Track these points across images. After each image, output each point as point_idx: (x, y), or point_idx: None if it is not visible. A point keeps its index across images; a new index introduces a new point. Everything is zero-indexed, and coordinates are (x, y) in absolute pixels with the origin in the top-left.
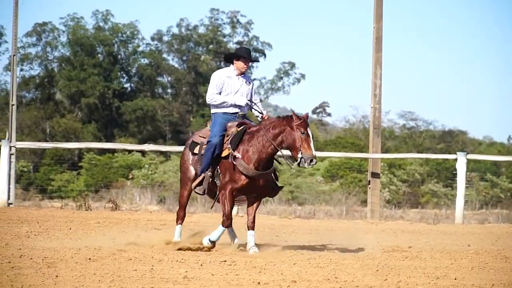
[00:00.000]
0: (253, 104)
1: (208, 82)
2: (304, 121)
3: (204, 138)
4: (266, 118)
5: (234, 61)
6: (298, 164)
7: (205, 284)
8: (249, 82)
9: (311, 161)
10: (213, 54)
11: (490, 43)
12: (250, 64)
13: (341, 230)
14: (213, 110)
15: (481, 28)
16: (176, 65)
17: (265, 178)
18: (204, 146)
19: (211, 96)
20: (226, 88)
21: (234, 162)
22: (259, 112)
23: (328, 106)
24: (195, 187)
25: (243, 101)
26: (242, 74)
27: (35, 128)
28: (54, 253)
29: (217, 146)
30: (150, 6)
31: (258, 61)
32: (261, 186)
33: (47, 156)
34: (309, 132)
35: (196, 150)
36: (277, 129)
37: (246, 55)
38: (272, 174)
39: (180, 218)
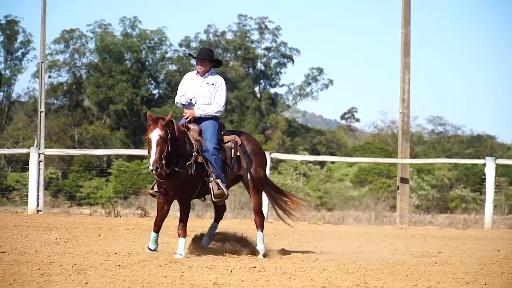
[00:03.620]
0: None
1: (237, 88)
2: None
3: None
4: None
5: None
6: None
7: None
8: (213, 83)
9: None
10: (241, 60)
11: None
12: (208, 64)
13: (370, 235)
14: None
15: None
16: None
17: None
18: None
19: (176, 99)
20: (188, 90)
21: None
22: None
23: (356, 112)
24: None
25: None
26: (204, 74)
27: (63, 135)
28: (83, 259)
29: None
30: (178, 12)
31: (217, 60)
32: None
33: (76, 163)
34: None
35: None
36: None
37: (199, 56)
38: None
39: None
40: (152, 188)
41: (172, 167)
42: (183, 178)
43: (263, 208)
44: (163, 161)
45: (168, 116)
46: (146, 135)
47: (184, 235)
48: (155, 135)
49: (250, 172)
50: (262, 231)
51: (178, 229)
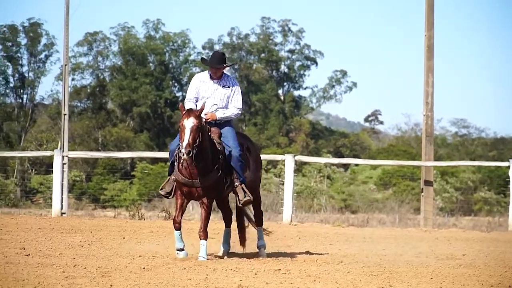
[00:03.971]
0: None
1: (260, 91)
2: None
3: None
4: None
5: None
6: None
7: None
8: (228, 86)
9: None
10: (265, 63)
11: None
12: (222, 69)
13: (395, 238)
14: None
15: None
16: (228, 74)
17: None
18: None
19: (185, 101)
20: (201, 93)
21: None
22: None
23: (380, 114)
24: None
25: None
26: (220, 78)
27: (87, 138)
28: (108, 262)
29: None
30: (201, 15)
31: (232, 64)
32: None
33: (100, 166)
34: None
35: None
36: None
37: (212, 61)
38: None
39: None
40: (162, 189)
41: (201, 163)
42: (214, 179)
43: (288, 209)
44: (194, 150)
45: (200, 109)
46: (180, 122)
47: (206, 238)
48: (189, 122)
49: (253, 174)
50: (262, 226)
51: (199, 232)
